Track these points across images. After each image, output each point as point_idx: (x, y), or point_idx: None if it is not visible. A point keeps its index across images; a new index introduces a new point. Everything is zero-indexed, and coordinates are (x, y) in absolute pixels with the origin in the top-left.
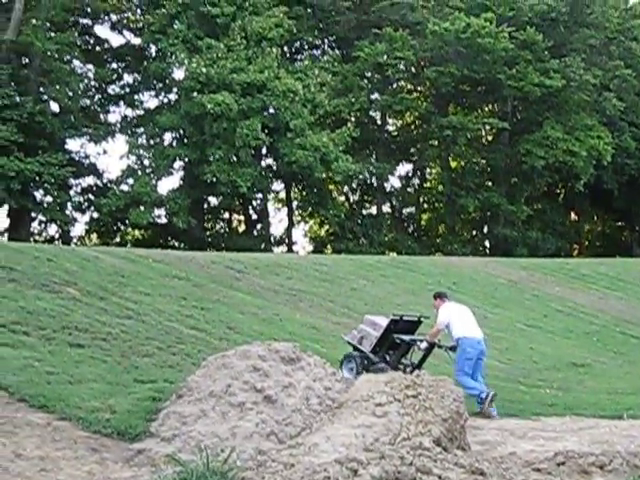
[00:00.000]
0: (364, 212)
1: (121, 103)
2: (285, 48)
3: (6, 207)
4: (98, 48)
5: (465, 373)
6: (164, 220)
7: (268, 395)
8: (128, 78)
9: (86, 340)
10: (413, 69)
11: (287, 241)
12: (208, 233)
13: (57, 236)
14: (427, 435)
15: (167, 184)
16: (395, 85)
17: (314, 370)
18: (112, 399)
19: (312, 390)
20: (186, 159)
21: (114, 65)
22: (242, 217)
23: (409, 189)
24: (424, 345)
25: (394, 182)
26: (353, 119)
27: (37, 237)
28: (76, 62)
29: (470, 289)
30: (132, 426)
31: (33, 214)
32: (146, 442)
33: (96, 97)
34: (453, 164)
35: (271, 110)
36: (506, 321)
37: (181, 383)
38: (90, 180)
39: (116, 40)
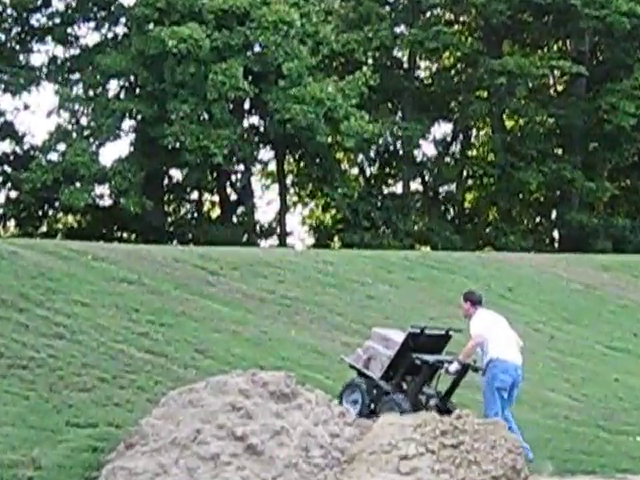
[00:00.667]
0: (385, 191)
1: (48, 39)
2: None
3: None
4: None
5: (494, 409)
6: (108, 201)
7: (252, 444)
8: (58, 4)
9: (1, 368)
10: None
11: (279, 231)
12: (169, 220)
13: None
14: None
15: (113, 152)
16: (429, 14)
17: (316, 410)
18: (36, 449)
19: (313, 437)
20: (139, 117)
21: None
22: (216, 198)
23: (447, 159)
24: (455, 368)
25: (427, 149)
26: (370, 61)
27: None
28: None
29: (531, 297)
30: None
31: None
32: None
33: (13, 31)
34: (509, 124)
35: (257, 48)
36: (581, 342)
37: (132, 427)
38: (6, 146)
39: None
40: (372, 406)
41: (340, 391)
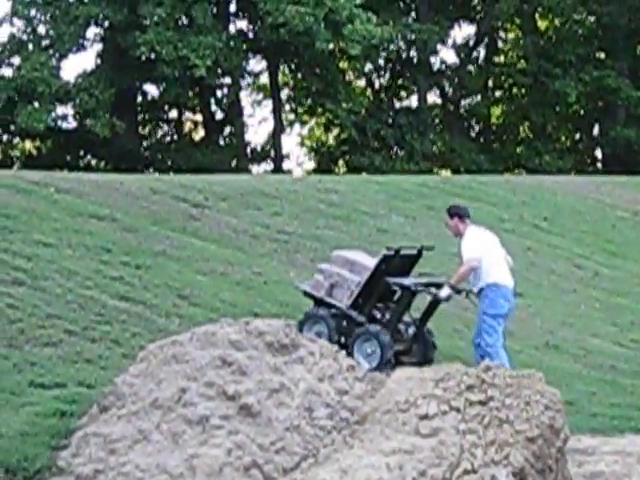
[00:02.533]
0: (398, 105)
1: None
2: None
3: None
4: None
5: (495, 337)
6: (73, 124)
7: (246, 404)
8: None
9: None
10: None
11: (273, 154)
12: (145, 144)
13: None
14: (504, 465)
15: (77, 65)
16: None
17: (320, 363)
18: None
19: (317, 395)
20: (106, 23)
21: None
22: (199, 117)
23: (470, 67)
24: (446, 293)
25: (447, 55)
26: None
27: None
28: None
29: (571, 228)
30: (28, 458)
31: None
32: None
33: None
34: (542, 24)
35: None
36: (629, 279)
37: (106, 388)
38: None
39: None
40: (342, 339)
41: (298, 323)
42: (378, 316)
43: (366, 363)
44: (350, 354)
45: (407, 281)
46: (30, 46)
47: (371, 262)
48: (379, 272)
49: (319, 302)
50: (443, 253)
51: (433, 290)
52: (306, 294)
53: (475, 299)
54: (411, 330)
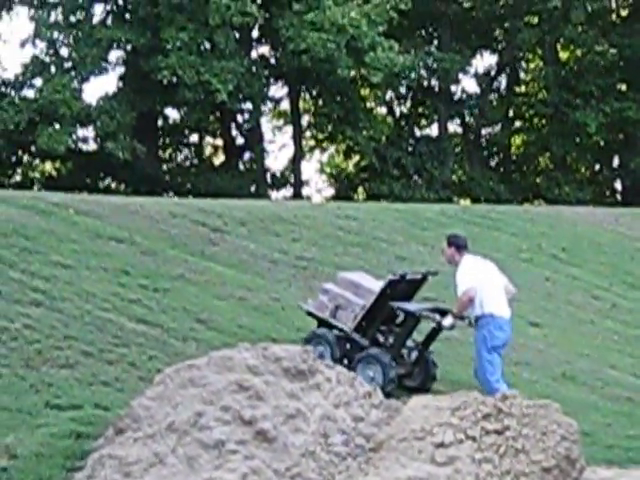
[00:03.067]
0: (418, 134)
1: None
2: None
3: None
4: None
5: (491, 370)
6: (93, 146)
7: (262, 430)
8: None
9: None
10: None
11: (292, 180)
12: (165, 167)
13: None
14: None
15: (98, 87)
16: None
17: (336, 389)
18: (11, 435)
19: (334, 422)
20: (128, 47)
21: None
22: (220, 141)
23: (491, 96)
24: (450, 322)
25: (468, 85)
26: None
27: None
28: None
29: (589, 259)
30: (43, 478)
31: None
32: None
33: None
34: (563, 55)
35: None
36: None
37: (122, 410)
38: None
39: None
40: (344, 362)
41: (303, 341)
42: (381, 340)
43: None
44: None
45: (412, 307)
46: (52, 68)
47: (376, 285)
48: (384, 296)
49: (323, 323)
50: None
51: (437, 317)
52: (310, 314)
53: (473, 321)
54: (414, 355)
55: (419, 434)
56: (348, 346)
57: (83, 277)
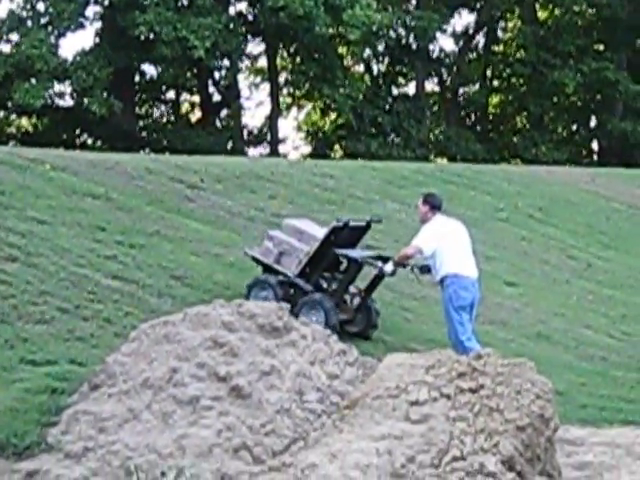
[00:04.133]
0: (395, 92)
1: None
2: None
3: None
4: None
5: (461, 329)
6: (69, 102)
7: (237, 386)
8: None
9: None
10: None
11: (269, 138)
12: (141, 123)
13: None
14: (492, 453)
15: (75, 43)
16: None
17: (312, 347)
18: None
19: (309, 379)
20: (106, 2)
21: None
22: (197, 98)
23: (470, 55)
24: (390, 268)
25: (445, 43)
26: None
27: None
28: None
29: (565, 219)
30: (18, 434)
31: None
32: (41, 459)
33: None
34: (542, 15)
35: None
36: (622, 271)
37: (97, 366)
38: None
39: None
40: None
41: (247, 287)
42: (325, 285)
43: None
44: None
45: (354, 253)
46: (29, 23)
47: (320, 232)
48: (327, 243)
49: (267, 269)
50: None
51: (379, 264)
52: (255, 260)
53: (418, 274)
54: (356, 301)
55: (393, 392)
56: (292, 291)
57: (59, 233)
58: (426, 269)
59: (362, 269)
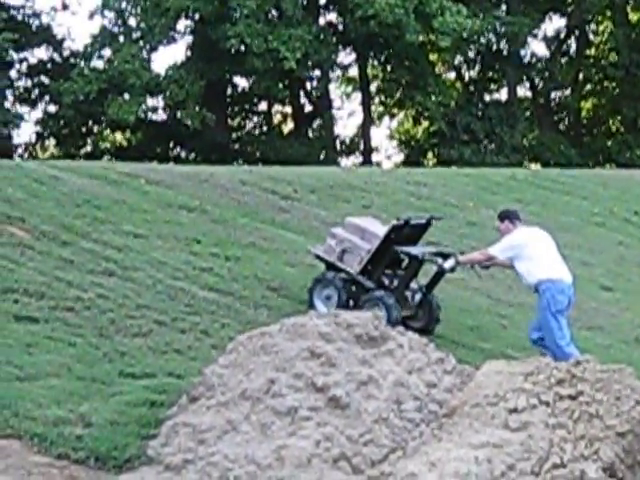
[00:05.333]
0: (488, 98)
1: None
2: None
3: None
4: None
5: (560, 334)
6: (163, 116)
7: (335, 396)
8: None
9: (42, 311)
10: None
11: (362, 147)
12: (234, 135)
13: None
14: (593, 460)
15: (167, 57)
16: None
17: (409, 356)
18: (85, 404)
19: (406, 388)
20: (196, 15)
21: None
22: (289, 109)
23: (561, 59)
24: (450, 265)
25: (537, 48)
26: None
27: None
28: None
29: None
30: (118, 447)
31: None
32: (141, 472)
33: None
34: (633, 16)
35: None
36: None
37: (195, 378)
38: (42, 53)
39: None
40: (351, 303)
41: (309, 287)
42: (386, 282)
43: None
44: None
45: (415, 250)
46: (121, 38)
47: (381, 230)
48: (388, 240)
49: (330, 266)
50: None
51: (439, 261)
52: (318, 257)
53: (479, 270)
54: (417, 297)
55: (492, 400)
56: (354, 289)
57: (155, 246)
58: (485, 265)
59: (423, 266)
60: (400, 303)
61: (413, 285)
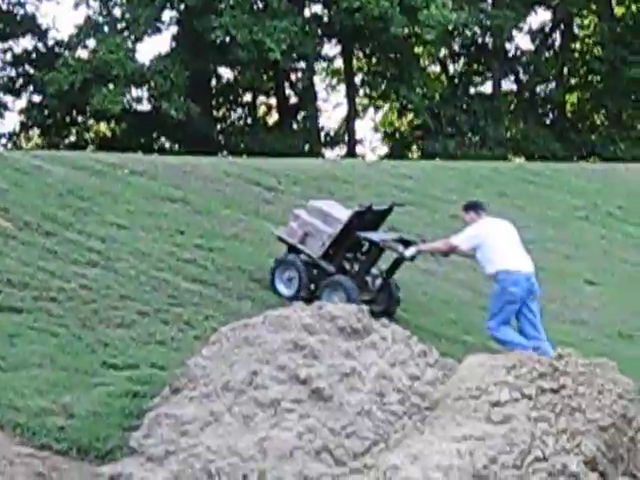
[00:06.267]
0: (472, 91)
1: None
2: None
3: None
4: None
5: (503, 322)
6: (147, 106)
7: (318, 388)
8: None
9: (25, 301)
10: None
11: (346, 139)
12: (219, 127)
13: None
14: (575, 453)
15: (152, 47)
16: None
17: (392, 348)
18: (68, 395)
19: (389, 380)
20: (181, 6)
21: None
22: (273, 101)
23: (546, 53)
24: (411, 253)
25: (522, 42)
26: None
27: None
28: None
29: None
30: (100, 438)
31: None
32: (123, 463)
33: None
34: (619, 10)
35: None
36: None
37: (178, 369)
38: (27, 42)
39: None
40: (312, 287)
41: (271, 268)
42: (347, 267)
43: None
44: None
45: (376, 236)
46: (106, 28)
47: (344, 215)
48: (350, 226)
49: (292, 248)
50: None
51: (400, 248)
52: (280, 239)
53: (441, 258)
54: (378, 282)
55: (475, 393)
56: (315, 272)
57: (138, 237)
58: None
59: (383, 252)
60: (360, 288)
61: (374, 270)
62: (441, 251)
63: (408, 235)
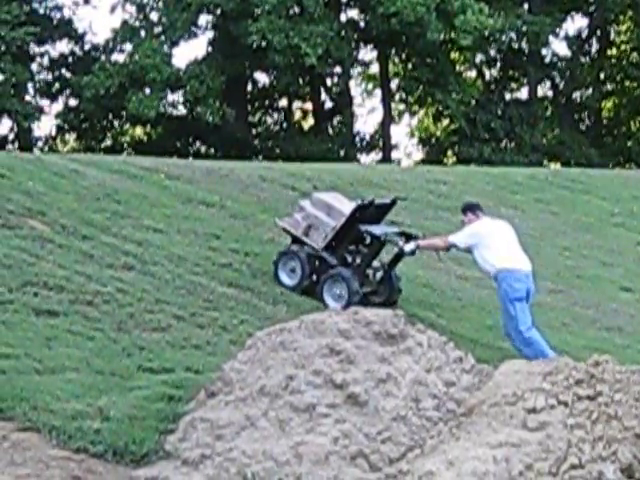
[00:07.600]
0: (508, 97)
1: None
2: None
3: None
4: None
5: (520, 320)
6: (183, 111)
7: (353, 393)
8: None
9: (62, 304)
10: None
11: (382, 144)
12: (254, 131)
13: (11, 137)
14: (611, 460)
15: (188, 52)
16: None
17: (428, 354)
18: (104, 398)
19: (425, 386)
20: (218, 11)
21: None
22: (309, 105)
23: (583, 59)
24: (410, 248)
25: (558, 48)
26: None
27: None
28: None
29: None
30: (136, 441)
31: None
32: (159, 467)
33: None
34: None
35: None
36: None
37: (214, 373)
38: (63, 47)
39: None
40: (314, 278)
41: (274, 259)
42: (349, 259)
43: (333, 304)
44: (319, 292)
45: (378, 230)
46: (142, 33)
47: (347, 208)
48: (353, 219)
49: (295, 240)
50: (552, 246)
51: (400, 243)
52: (284, 230)
53: (442, 256)
54: (379, 274)
55: (510, 399)
56: (317, 264)
57: (174, 241)
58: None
59: (385, 245)
60: (361, 280)
61: (375, 263)
62: (440, 248)
63: (410, 229)
